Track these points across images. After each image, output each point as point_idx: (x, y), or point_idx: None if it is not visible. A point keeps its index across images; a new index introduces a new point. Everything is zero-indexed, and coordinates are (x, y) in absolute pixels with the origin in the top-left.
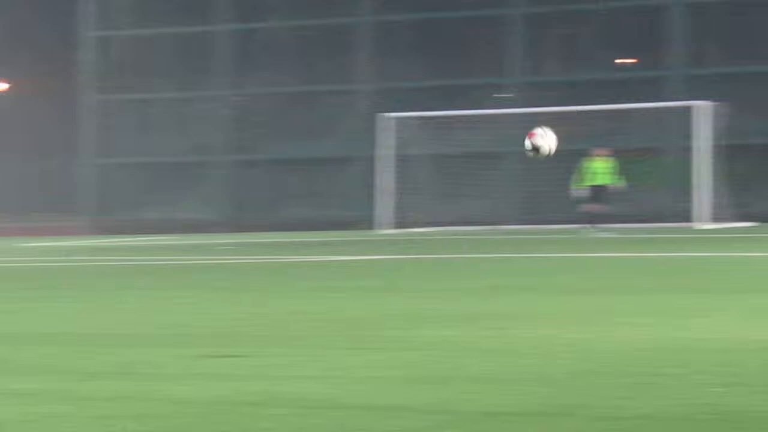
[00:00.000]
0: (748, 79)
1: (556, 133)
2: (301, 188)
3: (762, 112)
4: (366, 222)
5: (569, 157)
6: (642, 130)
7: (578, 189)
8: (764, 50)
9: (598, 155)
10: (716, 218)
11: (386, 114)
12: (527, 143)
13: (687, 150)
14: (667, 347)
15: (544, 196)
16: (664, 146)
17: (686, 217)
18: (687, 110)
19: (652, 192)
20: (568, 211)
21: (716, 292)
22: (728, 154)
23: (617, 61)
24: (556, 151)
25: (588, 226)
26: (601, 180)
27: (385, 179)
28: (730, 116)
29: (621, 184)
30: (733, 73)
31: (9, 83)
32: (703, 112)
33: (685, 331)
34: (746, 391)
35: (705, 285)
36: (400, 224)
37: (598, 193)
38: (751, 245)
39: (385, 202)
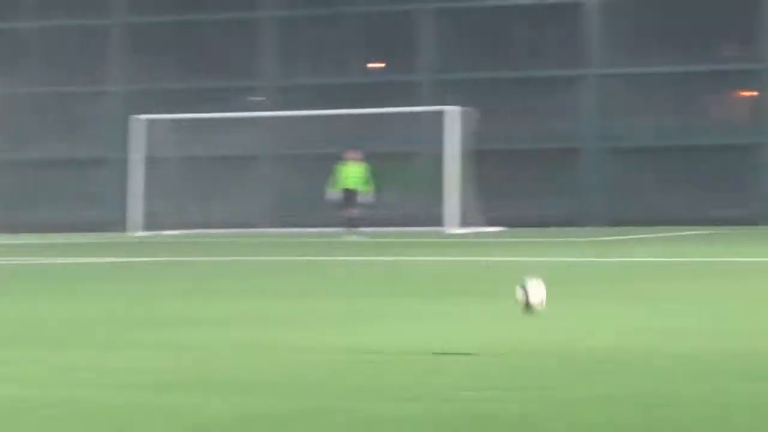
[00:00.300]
0: (496, 85)
1: (309, 135)
2: (54, 189)
3: (509, 117)
4: (119, 224)
5: (322, 160)
6: (394, 135)
7: (332, 192)
8: (512, 56)
9: (350, 159)
10: (466, 223)
11: (139, 116)
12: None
13: (438, 155)
14: (414, 351)
15: (299, 199)
16: (415, 151)
17: (437, 221)
18: (437, 115)
19: (403, 195)
20: (324, 215)
21: (464, 295)
22: (477, 159)
23: (369, 65)
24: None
25: (344, 229)
26: (353, 184)
27: (137, 182)
28: (479, 121)
29: (370, 190)
30: (481, 78)
31: None
32: (452, 117)
33: (434, 335)
34: (495, 395)
35: (453, 288)
36: (152, 227)
37: (351, 196)
38: (499, 250)
39: (137, 205)
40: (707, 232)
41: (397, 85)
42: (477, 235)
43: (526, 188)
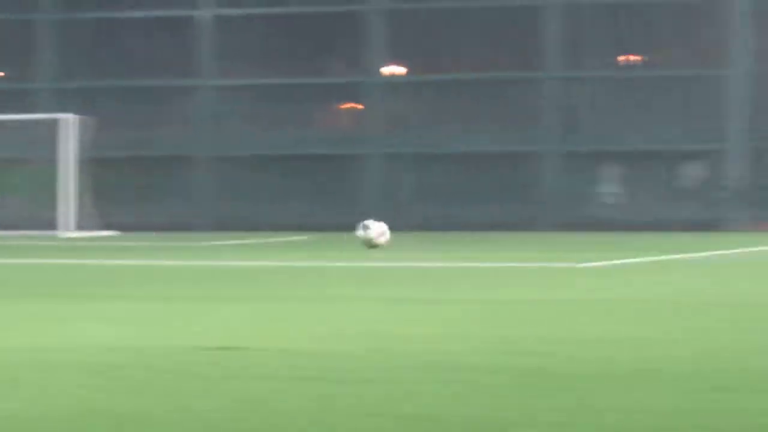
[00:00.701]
0: (114, 94)
1: None
2: None
3: (122, 125)
4: None
5: None
6: (8, 141)
7: None
8: (129, 65)
9: None
10: (81, 227)
11: None
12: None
13: (53, 161)
14: (23, 351)
15: None
16: (31, 157)
17: (52, 225)
18: (53, 122)
19: (18, 200)
20: None
21: (69, 297)
22: (95, 165)
23: None
24: None
25: None
26: None
27: None
28: (95, 129)
29: None
30: (100, 87)
31: None
32: (68, 124)
33: (43, 338)
34: (135, 395)
35: (59, 291)
36: None
37: None
38: (113, 253)
39: None
40: (315, 238)
41: (15, 93)
42: (91, 239)
43: (143, 194)
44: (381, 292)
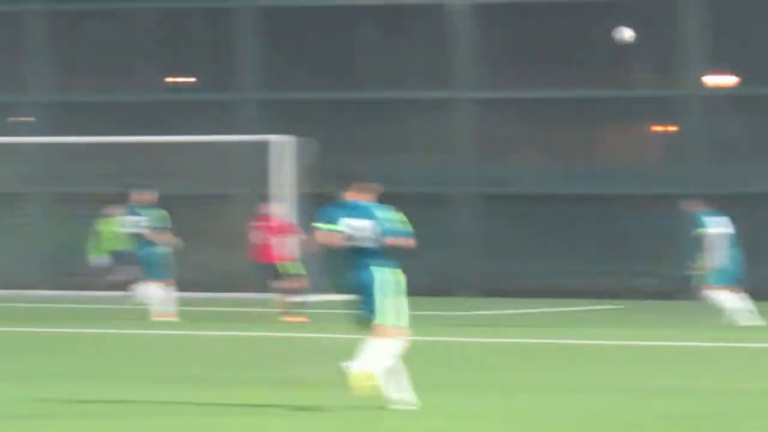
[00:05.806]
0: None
1: None
2: None
3: (349, 149)
4: None
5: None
6: (205, 171)
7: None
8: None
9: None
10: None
11: None
12: None
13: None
14: None
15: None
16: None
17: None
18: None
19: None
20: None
21: None
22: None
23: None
24: None
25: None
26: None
27: None
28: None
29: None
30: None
31: None
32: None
33: None
34: None
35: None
36: None
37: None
38: None
39: None
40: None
41: (210, 106)
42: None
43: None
44: None
